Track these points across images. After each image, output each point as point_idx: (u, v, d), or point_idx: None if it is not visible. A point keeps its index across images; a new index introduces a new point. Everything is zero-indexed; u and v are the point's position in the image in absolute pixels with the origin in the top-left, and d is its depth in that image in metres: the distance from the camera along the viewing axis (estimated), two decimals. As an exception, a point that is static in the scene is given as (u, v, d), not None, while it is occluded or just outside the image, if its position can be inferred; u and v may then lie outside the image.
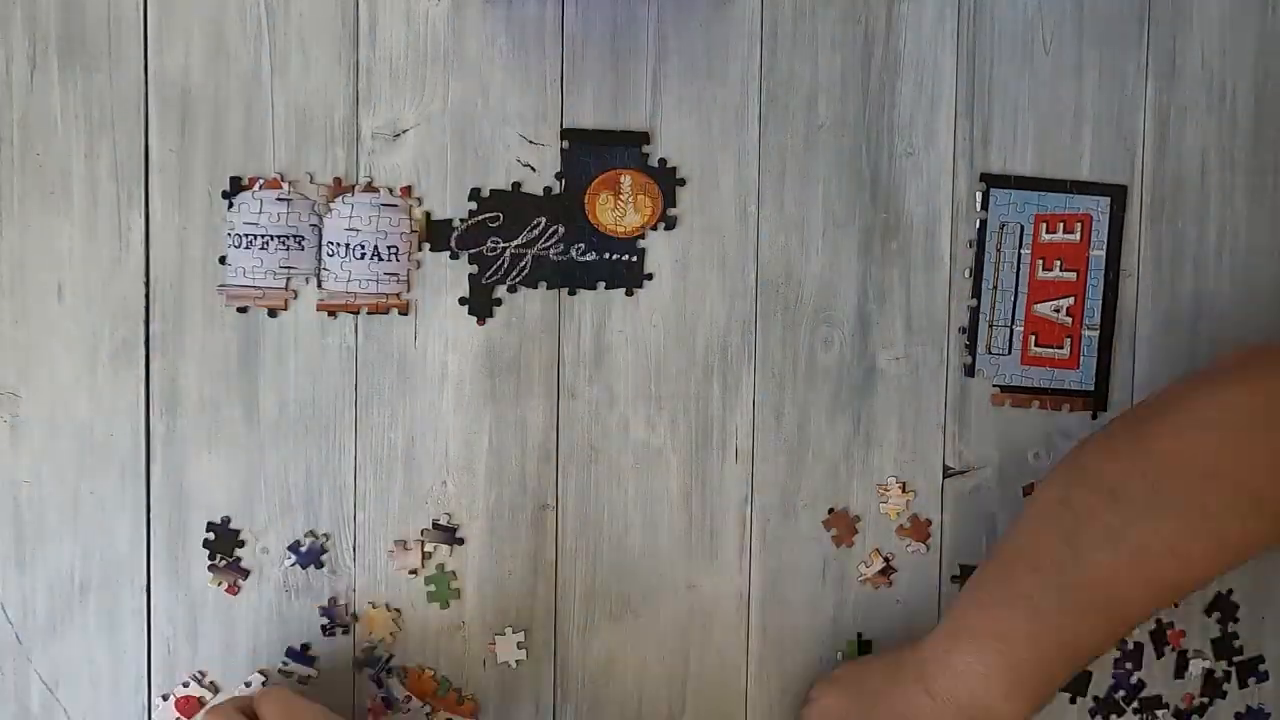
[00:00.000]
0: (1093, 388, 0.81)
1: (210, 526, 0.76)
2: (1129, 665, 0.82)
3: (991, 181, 0.80)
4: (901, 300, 0.80)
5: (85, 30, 0.74)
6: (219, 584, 0.76)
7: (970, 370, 0.81)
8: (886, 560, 0.81)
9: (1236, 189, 0.81)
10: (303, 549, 0.77)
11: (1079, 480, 0.72)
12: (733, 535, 0.80)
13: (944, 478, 0.81)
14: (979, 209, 0.80)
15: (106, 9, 0.74)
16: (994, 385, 0.81)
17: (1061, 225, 0.80)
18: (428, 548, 0.77)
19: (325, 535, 0.77)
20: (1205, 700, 0.83)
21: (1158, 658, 0.83)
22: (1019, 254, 0.80)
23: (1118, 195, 0.80)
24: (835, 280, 0.80)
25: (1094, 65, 0.80)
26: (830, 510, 0.80)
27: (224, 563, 0.76)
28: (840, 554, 0.80)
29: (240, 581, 0.76)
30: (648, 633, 0.79)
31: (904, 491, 0.80)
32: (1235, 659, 0.83)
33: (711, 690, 0.80)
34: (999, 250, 0.80)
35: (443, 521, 0.77)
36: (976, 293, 0.80)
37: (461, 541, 0.78)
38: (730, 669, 0.80)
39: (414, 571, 0.77)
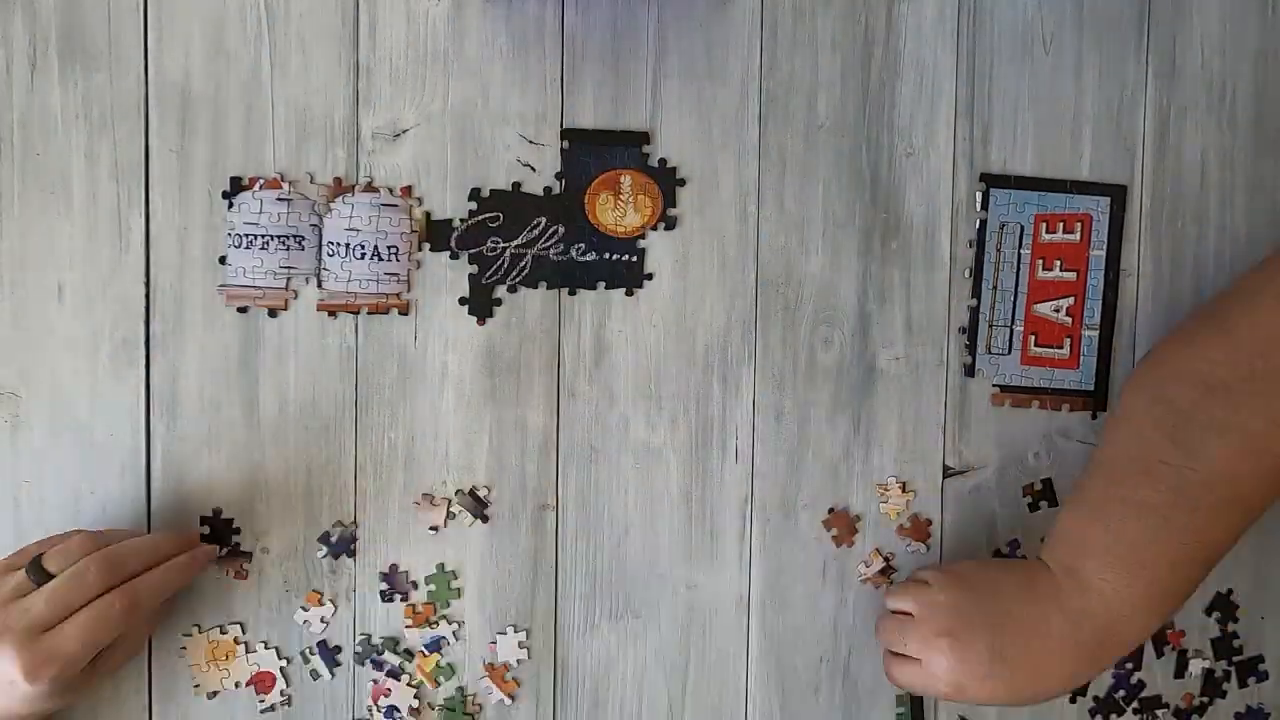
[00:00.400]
0: (1093, 388, 0.81)
1: (204, 520, 0.76)
2: (1129, 665, 0.82)
3: (991, 181, 0.80)
4: (901, 300, 0.80)
5: (85, 30, 0.74)
6: (227, 573, 0.76)
7: (970, 370, 0.81)
8: (886, 560, 0.81)
9: (1236, 189, 0.82)
10: (333, 539, 0.77)
11: (1170, 378, 0.72)
12: (733, 535, 0.80)
13: (944, 478, 0.81)
14: (979, 209, 0.80)
15: (106, 9, 0.74)
16: (994, 385, 0.81)
17: (1061, 225, 0.80)
18: (453, 508, 0.77)
19: (354, 524, 0.77)
20: (1205, 700, 0.83)
21: (1158, 657, 0.83)
22: (1019, 254, 0.80)
23: (1118, 195, 0.80)
24: (835, 280, 0.80)
25: (1094, 65, 0.80)
26: (830, 510, 0.80)
27: (224, 551, 0.76)
28: (840, 554, 0.80)
29: (245, 565, 0.76)
30: (648, 633, 0.79)
31: (904, 491, 0.80)
32: (1235, 659, 0.83)
33: (711, 690, 0.80)
34: (999, 250, 0.80)
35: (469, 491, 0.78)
36: (976, 293, 0.80)
37: (486, 519, 0.78)
38: (730, 669, 0.80)
39: (435, 528, 0.77)
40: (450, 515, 0.78)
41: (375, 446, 0.77)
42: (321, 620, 0.77)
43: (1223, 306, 0.73)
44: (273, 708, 0.77)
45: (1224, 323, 0.71)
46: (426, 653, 0.78)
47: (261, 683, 0.76)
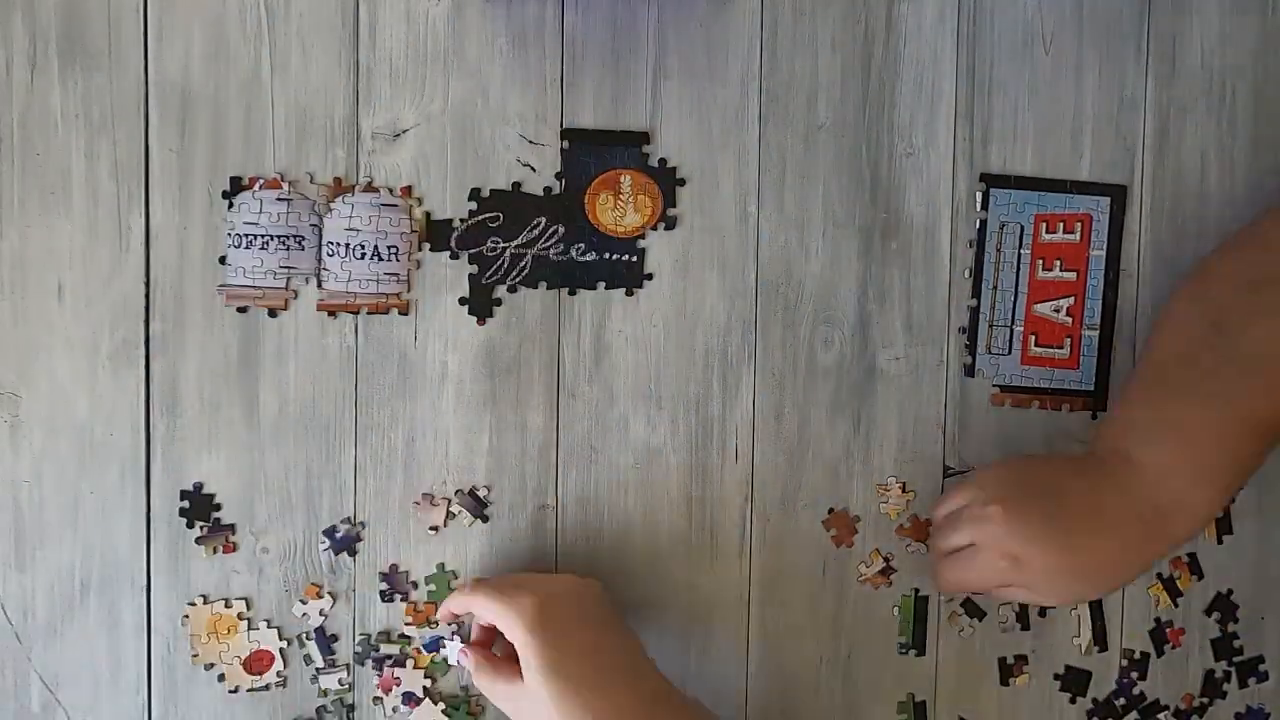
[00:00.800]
0: (1093, 388, 0.81)
1: (184, 495, 0.76)
2: (1134, 675, 0.82)
3: (991, 181, 0.80)
4: (901, 300, 0.80)
5: (85, 30, 0.74)
6: (214, 550, 0.76)
7: (970, 370, 0.81)
8: (886, 560, 0.81)
9: (1236, 189, 0.81)
10: (338, 535, 0.77)
11: (1212, 279, 0.74)
12: (733, 535, 0.80)
13: (944, 478, 0.81)
14: (979, 209, 0.80)
15: (106, 9, 0.74)
16: (994, 385, 0.81)
17: (1061, 225, 0.80)
18: (453, 508, 0.77)
19: (361, 523, 0.77)
20: (1205, 700, 0.83)
21: (1158, 656, 0.83)
22: (1019, 254, 0.80)
23: (1118, 195, 0.80)
24: (835, 280, 0.80)
25: (1094, 65, 0.80)
26: (830, 510, 0.80)
27: (205, 529, 0.76)
28: (840, 554, 0.80)
29: (231, 537, 0.76)
30: (648, 632, 0.79)
31: (904, 492, 0.80)
32: (1235, 659, 0.83)
33: (711, 690, 0.80)
34: (999, 250, 0.80)
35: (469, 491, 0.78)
36: (976, 293, 0.80)
37: (486, 519, 0.78)
38: (730, 669, 0.80)
39: (435, 528, 0.77)
40: (450, 515, 0.78)
41: (375, 446, 0.77)
42: (320, 613, 0.77)
43: (1256, 224, 0.75)
44: (267, 687, 0.77)
45: (1259, 234, 0.74)
46: (424, 651, 0.78)
47: (259, 661, 0.76)
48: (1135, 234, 0.81)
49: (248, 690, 0.77)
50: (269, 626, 0.77)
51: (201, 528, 0.76)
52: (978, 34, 0.80)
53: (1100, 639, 0.82)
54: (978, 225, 0.80)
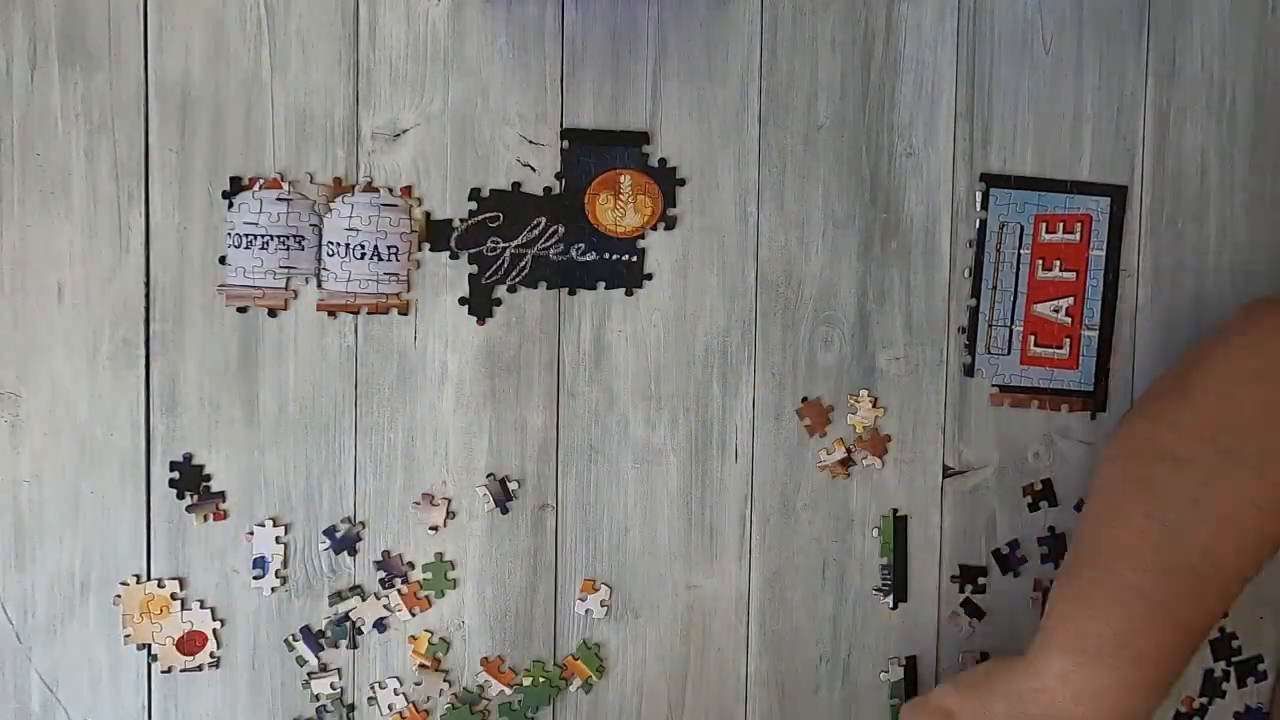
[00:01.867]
0: (1092, 388, 0.81)
1: (173, 465, 0.76)
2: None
3: (991, 181, 0.80)
4: (901, 300, 0.80)
5: (85, 30, 0.74)
6: (204, 518, 0.76)
7: (970, 370, 0.81)
8: (849, 450, 0.80)
9: (1236, 189, 0.81)
10: (338, 534, 0.77)
11: (1141, 452, 0.71)
12: (733, 535, 0.80)
13: (944, 477, 0.81)
14: (979, 209, 0.80)
15: (106, 9, 0.74)
16: (993, 385, 0.81)
17: (1061, 225, 0.80)
18: (454, 506, 0.78)
19: (361, 523, 0.77)
20: (1205, 701, 0.83)
21: None
22: (1019, 254, 0.80)
23: (1118, 196, 0.80)
24: (835, 280, 0.80)
25: (1094, 65, 0.80)
26: (804, 399, 0.79)
27: (195, 498, 0.76)
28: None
29: (221, 505, 0.76)
30: (648, 633, 0.79)
31: (875, 406, 0.80)
32: (1234, 659, 0.83)
33: (711, 690, 0.80)
34: (999, 250, 0.80)
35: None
36: (976, 292, 0.80)
37: (507, 510, 0.78)
38: (730, 669, 0.80)
39: (435, 528, 0.77)
40: (450, 515, 0.78)
41: (375, 446, 0.77)
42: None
43: (1184, 373, 0.72)
44: (200, 668, 0.77)
45: (1186, 390, 0.70)
46: (416, 634, 0.78)
47: (191, 642, 0.76)
48: (1135, 234, 0.81)
49: (180, 670, 0.76)
50: (202, 607, 0.76)
51: (192, 495, 0.76)
52: (978, 34, 0.80)
53: None
54: (977, 225, 0.80)
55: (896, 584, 0.81)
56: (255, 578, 0.76)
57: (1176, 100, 0.81)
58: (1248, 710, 0.83)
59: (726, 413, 0.79)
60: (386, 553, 0.77)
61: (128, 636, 0.76)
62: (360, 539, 0.77)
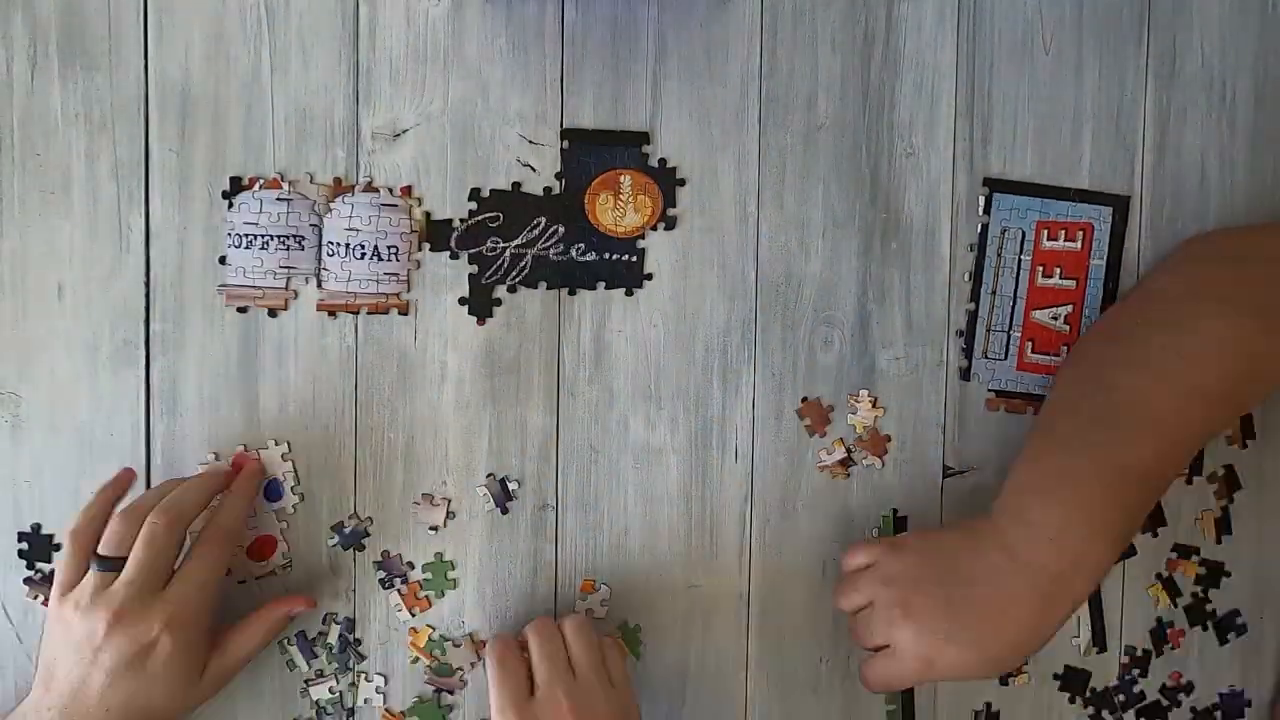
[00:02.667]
0: None
1: (22, 536, 0.75)
2: (1136, 671, 0.83)
3: (994, 186, 0.80)
4: (901, 300, 0.80)
5: (85, 30, 0.74)
6: (37, 597, 0.76)
7: (966, 374, 0.81)
8: (849, 450, 0.80)
9: (1236, 190, 0.81)
10: (346, 530, 0.77)
11: (1090, 335, 0.78)
12: (733, 535, 0.80)
13: (943, 477, 0.81)
14: (981, 213, 0.80)
15: (106, 9, 0.74)
16: (989, 390, 0.81)
17: (1063, 233, 0.80)
18: (454, 506, 0.78)
19: (369, 518, 0.77)
20: (1191, 681, 0.83)
21: (1157, 656, 0.83)
22: (1019, 259, 0.80)
23: (1120, 206, 0.80)
24: (835, 280, 0.80)
25: (1094, 66, 0.80)
26: (804, 399, 0.79)
27: (39, 576, 0.76)
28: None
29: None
30: (648, 632, 0.79)
31: (874, 406, 0.80)
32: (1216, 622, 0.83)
33: (711, 690, 0.80)
34: (999, 255, 0.80)
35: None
36: (975, 297, 0.80)
37: (507, 511, 0.78)
38: (730, 669, 0.80)
39: (435, 528, 0.77)
40: (450, 515, 0.78)
41: (375, 446, 0.77)
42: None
43: (1129, 301, 0.79)
44: (273, 572, 0.77)
45: (1139, 286, 0.79)
46: (418, 628, 0.78)
47: (263, 547, 0.77)
48: (1135, 234, 0.81)
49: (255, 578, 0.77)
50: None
51: (37, 571, 0.75)
52: (978, 34, 0.80)
53: (1099, 639, 0.82)
54: (979, 229, 0.80)
55: (896, 584, 0.81)
56: (271, 501, 0.77)
57: (1176, 100, 0.81)
58: (1231, 692, 0.84)
59: (726, 413, 0.79)
60: (386, 552, 0.77)
61: None
62: (368, 534, 0.77)
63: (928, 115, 0.80)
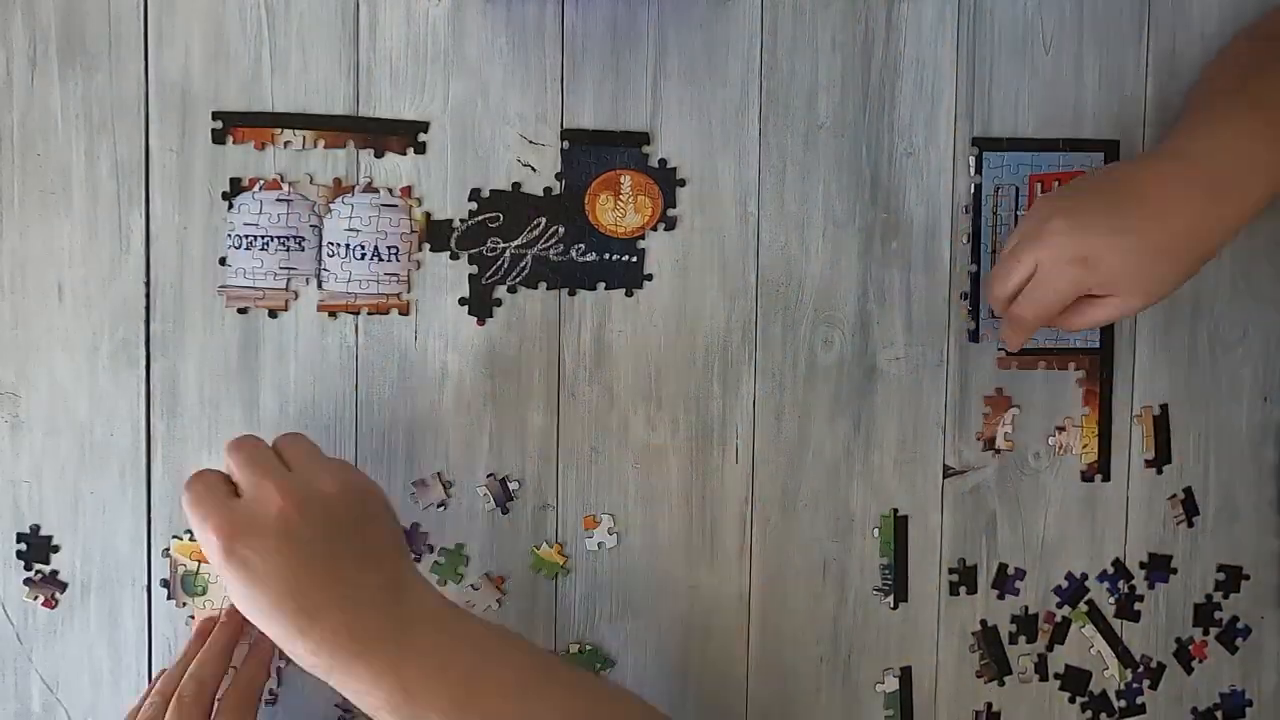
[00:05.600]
0: (1098, 344, 0.81)
1: (21, 538, 0.75)
2: (1146, 683, 0.83)
3: (983, 145, 0.80)
4: (901, 300, 0.80)
5: (85, 30, 0.74)
6: (36, 598, 0.76)
7: (975, 335, 0.80)
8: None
9: (1236, 189, 0.81)
10: None
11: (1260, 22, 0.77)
12: (733, 535, 0.80)
13: (944, 478, 0.81)
14: (973, 174, 0.80)
15: (106, 9, 0.74)
16: (999, 349, 0.80)
17: (1056, 184, 0.80)
18: (454, 506, 0.78)
19: None
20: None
21: (1188, 675, 0.83)
22: (1015, 216, 0.80)
23: (1111, 151, 0.80)
24: (835, 280, 0.80)
25: (1094, 65, 0.80)
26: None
27: (39, 576, 0.75)
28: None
29: (58, 595, 0.75)
30: (648, 633, 0.79)
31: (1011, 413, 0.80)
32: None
33: (711, 690, 0.80)
34: (995, 214, 0.80)
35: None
36: (976, 258, 0.80)
37: (507, 511, 0.78)
38: (730, 669, 0.80)
39: (442, 504, 0.78)
40: (447, 498, 0.78)
41: (375, 447, 0.77)
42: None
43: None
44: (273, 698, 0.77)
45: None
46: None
47: None
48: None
49: None
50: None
51: (38, 573, 0.75)
52: (978, 34, 0.80)
53: (1126, 658, 0.82)
54: (973, 190, 0.80)
55: (897, 584, 0.81)
56: None
57: (1176, 100, 0.81)
58: (1232, 692, 0.84)
59: (726, 413, 0.79)
60: (416, 525, 0.77)
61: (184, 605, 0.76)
62: None
63: (928, 115, 0.80)
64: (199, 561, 0.76)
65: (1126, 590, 0.82)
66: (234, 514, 0.61)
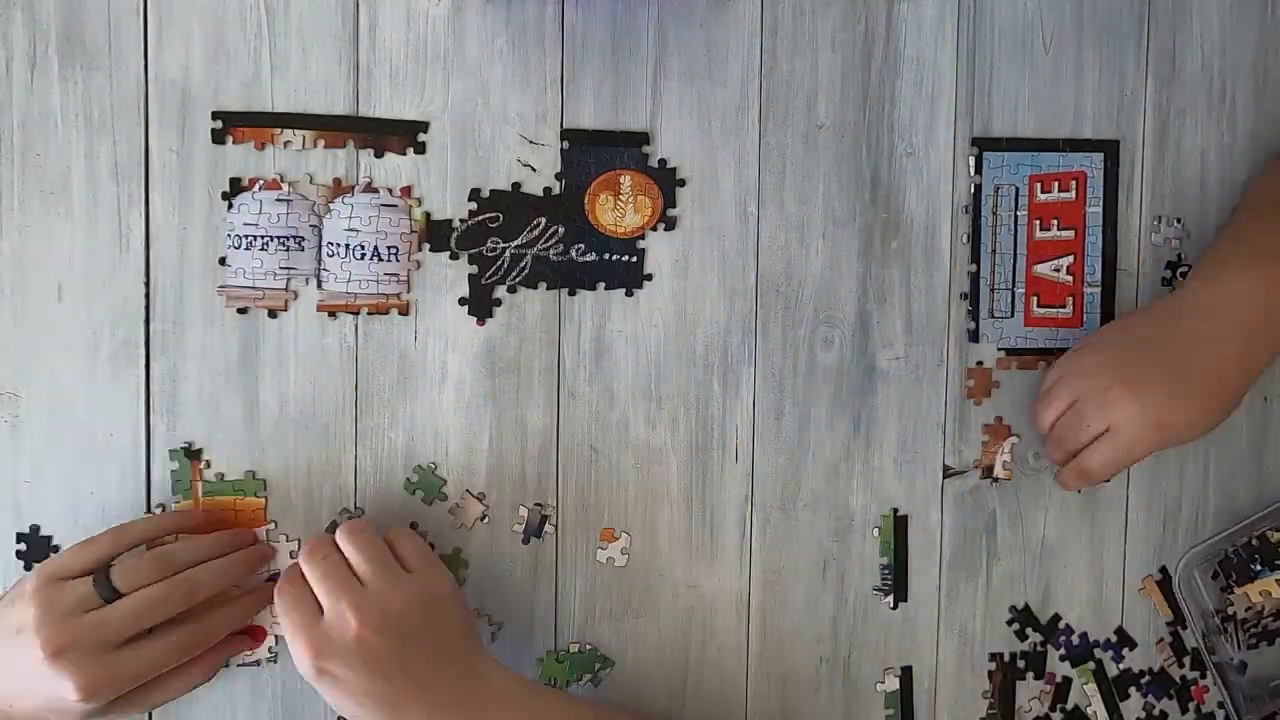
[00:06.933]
0: None
1: (20, 538, 0.75)
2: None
3: (983, 145, 0.80)
4: (901, 300, 0.80)
5: (85, 30, 0.74)
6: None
7: (974, 335, 0.80)
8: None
9: (1236, 189, 0.81)
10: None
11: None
12: (733, 535, 0.80)
13: (944, 478, 0.81)
14: (972, 173, 0.80)
15: (106, 9, 0.74)
16: (999, 349, 0.81)
17: (1056, 184, 0.80)
18: (454, 505, 0.78)
19: (360, 510, 0.77)
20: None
21: (1183, 714, 0.84)
22: (1015, 216, 0.80)
23: (1110, 150, 0.80)
24: (835, 280, 0.80)
25: (1094, 65, 0.80)
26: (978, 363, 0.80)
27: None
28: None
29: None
30: (648, 633, 0.79)
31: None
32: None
33: (711, 690, 0.80)
34: (995, 213, 0.80)
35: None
36: (975, 258, 0.80)
37: (542, 537, 0.78)
38: (730, 669, 0.80)
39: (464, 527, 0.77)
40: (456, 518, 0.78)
41: (375, 447, 0.77)
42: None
43: None
44: (258, 662, 0.76)
45: None
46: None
47: (252, 635, 0.76)
48: (1134, 232, 0.81)
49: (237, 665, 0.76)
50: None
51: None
52: (978, 34, 0.80)
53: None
54: (972, 190, 0.80)
55: (897, 584, 0.81)
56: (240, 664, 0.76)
57: (1176, 100, 0.81)
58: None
59: (726, 413, 0.79)
60: (415, 524, 0.77)
61: None
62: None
63: (928, 115, 0.80)
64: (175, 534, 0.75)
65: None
66: (316, 635, 0.66)
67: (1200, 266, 0.75)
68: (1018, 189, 0.80)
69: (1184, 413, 0.72)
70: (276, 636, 0.76)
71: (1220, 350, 0.72)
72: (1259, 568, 0.81)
